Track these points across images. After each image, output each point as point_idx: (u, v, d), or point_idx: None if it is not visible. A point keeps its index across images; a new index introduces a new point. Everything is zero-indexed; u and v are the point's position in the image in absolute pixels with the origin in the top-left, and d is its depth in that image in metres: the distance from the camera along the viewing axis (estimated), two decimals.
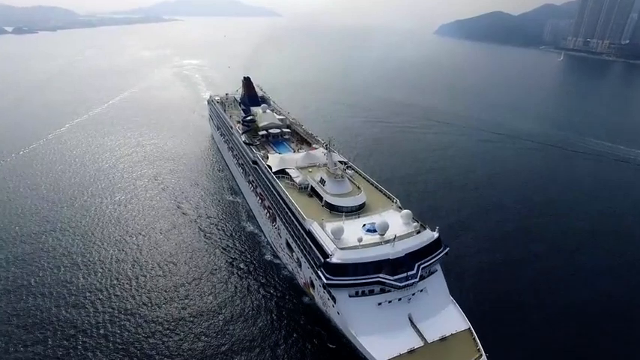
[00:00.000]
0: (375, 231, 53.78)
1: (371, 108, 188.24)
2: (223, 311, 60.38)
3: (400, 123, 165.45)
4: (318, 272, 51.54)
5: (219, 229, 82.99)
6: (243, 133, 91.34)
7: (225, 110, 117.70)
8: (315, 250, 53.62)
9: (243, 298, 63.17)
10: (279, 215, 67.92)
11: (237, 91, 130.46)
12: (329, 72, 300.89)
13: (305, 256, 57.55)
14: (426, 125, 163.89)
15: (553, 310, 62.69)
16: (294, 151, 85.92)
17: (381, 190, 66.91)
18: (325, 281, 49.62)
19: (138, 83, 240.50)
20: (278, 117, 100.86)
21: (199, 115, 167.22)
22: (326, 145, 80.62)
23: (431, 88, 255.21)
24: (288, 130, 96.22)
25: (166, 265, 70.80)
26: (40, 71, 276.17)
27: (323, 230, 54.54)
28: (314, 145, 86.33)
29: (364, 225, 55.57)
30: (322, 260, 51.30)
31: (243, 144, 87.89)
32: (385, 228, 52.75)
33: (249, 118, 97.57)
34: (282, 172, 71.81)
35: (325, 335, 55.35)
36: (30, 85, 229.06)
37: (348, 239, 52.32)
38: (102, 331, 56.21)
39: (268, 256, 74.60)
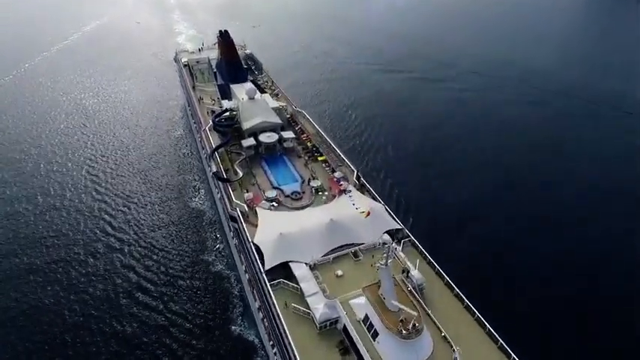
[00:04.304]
0: None
1: (392, 54, 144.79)
2: None
3: (434, 76, 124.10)
4: None
5: (169, 281, 52.78)
6: (215, 149, 54.02)
7: (194, 84, 78.50)
8: None
9: None
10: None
11: (214, 44, 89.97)
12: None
13: None
14: (464, 84, 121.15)
15: None
16: (303, 182, 50.51)
17: (478, 325, 33.15)
18: None
19: (100, 15, 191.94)
20: (273, 105, 63.11)
21: (164, 60, 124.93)
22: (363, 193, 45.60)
23: (448, 23, 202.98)
24: (291, 133, 59.12)
25: None
26: None
27: None
28: (336, 173, 50.38)
29: None
30: None
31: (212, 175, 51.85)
32: None
33: (226, 114, 59.65)
34: (284, 269, 37.52)
35: None
36: None
37: None
38: None
39: (236, 327, 47.23)
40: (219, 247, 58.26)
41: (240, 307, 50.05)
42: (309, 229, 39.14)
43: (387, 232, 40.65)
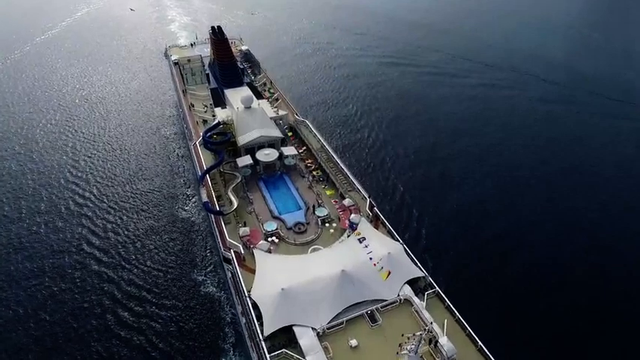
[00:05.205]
0: None
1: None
2: None
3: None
4: None
5: (152, 301, 47.20)
6: (205, 172, 47.19)
7: (185, 86, 71.03)
8: None
9: None
10: None
11: (206, 40, 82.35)
12: None
13: None
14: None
15: None
16: (307, 210, 44.12)
17: None
18: None
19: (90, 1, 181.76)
20: (273, 115, 56.16)
21: (157, 51, 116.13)
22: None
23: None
24: (293, 149, 52.29)
25: None
26: None
27: None
28: (345, 201, 43.84)
29: None
30: None
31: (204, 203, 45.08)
32: None
33: (218, 129, 52.54)
34: (286, 331, 31.41)
35: None
36: None
37: None
38: None
39: None
40: (211, 266, 51.73)
41: (233, 337, 44.20)
42: (316, 284, 32.76)
43: (409, 281, 34.45)
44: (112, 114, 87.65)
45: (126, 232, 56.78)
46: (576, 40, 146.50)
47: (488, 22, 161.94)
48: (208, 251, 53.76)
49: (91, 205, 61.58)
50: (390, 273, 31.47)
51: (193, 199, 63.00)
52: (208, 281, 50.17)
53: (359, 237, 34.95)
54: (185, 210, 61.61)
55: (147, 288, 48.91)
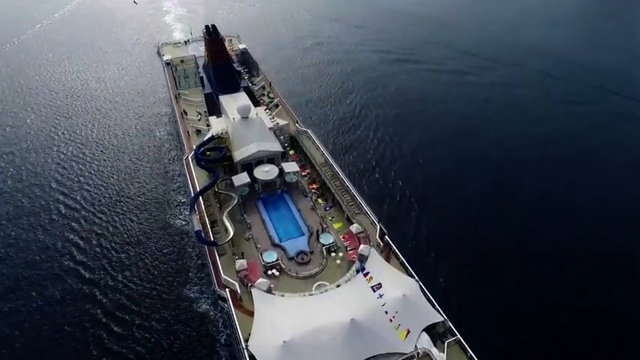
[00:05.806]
0: None
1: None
2: None
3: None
4: None
5: (138, 317, 43.59)
6: (197, 195, 42.73)
7: (177, 90, 66.11)
8: None
9: None
10: None
11: (200, 37, 77.33)
12: None
13: None
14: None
15: None
16: (310, 235, 40.16)
17: None
18: None
19: None
20: (272, 125, 51.71)
21: (151, 46, 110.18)
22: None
23: None
24: (295, 165, 47.93)
25: None
26: None
27: None
28: (352, 226, 39.64)
29: None
30: None
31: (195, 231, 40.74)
32: None
33: (210, 144, 47.93)
34: None
35: None
36: None
37: None
38: None
39: None
40: (204, 282, 47.34)
41: None
42: (322, 334, 28.82)
43: (426, 328, 30.57)
44: (103, 112, 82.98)
45: (114, 243, 52.84)
46: (581, 32, 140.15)
47: (490, 13, 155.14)
48: (202, 263, 49.73)
49: (77, 215, 57.48)
50: (409, 332, 27.54)
51: (187, 206, 58.87)
52: (202, 299, 46.24)
53: (373, 285, 30.77)
54: (179, 218, 57.61)
55: (134, 307, 44.94)
